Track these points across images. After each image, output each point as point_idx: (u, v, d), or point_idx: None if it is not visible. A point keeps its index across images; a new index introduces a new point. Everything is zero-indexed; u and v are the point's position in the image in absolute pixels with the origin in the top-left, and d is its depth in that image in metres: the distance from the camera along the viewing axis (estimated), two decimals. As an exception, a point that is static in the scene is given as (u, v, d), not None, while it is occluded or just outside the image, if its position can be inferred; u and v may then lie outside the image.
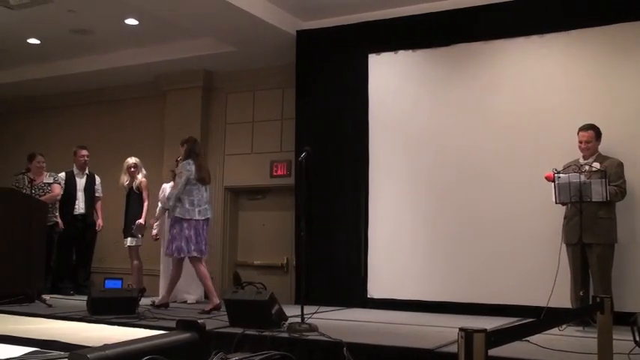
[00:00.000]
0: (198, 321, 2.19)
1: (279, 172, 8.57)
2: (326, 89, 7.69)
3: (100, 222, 8.46)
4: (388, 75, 7.43)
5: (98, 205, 8.55)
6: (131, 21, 8.02)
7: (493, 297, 6.46)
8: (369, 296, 7.15)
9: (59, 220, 8.05)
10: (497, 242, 6.59)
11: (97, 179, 8.58)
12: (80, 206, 8.30)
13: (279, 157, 8.60)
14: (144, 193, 7.62)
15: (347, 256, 7.30)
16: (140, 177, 7.70)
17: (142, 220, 7.36)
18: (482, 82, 6.92)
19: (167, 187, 7.45)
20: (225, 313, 5.19)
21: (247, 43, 8.06)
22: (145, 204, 7.59)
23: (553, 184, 5.59)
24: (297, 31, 7.84)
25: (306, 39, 7.84)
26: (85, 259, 8.48)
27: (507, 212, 6.57)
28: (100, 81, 9.79)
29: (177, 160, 6.90)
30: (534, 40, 6.69)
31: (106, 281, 8.56)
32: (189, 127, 9.14)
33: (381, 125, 7.38)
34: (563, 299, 5.63)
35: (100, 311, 5.61)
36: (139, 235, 7.46)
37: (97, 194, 8.52)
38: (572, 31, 6.51)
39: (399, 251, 7.08)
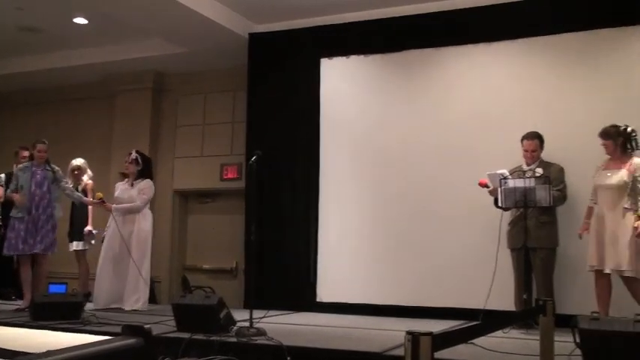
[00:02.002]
0: (145, 326, 2.16)
1: (230, 176, 8.50)
2: (278, 93, 7.66)
3: None
4: (340, 79, 7.47)
5: None
6: (80, 20, 7.88)
7: (440, 300, 6.54)
8: (318, 300, 7.17)
9: (1, 224, 7.81)
10: (442, 245, 6.70)
11: None
12: (21, 208, 8.06)
13: (230, 160, 8.53)
14: (89, 195, 7.40)
15: (297, 260, 7.30)
16: (85, 179, 7.51)
17: (90, 227, 7.31)
18: (432, 87, 7.04)
19: (120, 186, 7.21)
20: (173, 317, 5.13)
21: (198, 45, 7.99)
22: (91, 207, 7.40)
23: (499, 189, 5.72)
24: (249, 34, 7.82)
25: (258, 42, 7.82)
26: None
27: (452, 215, 6.67)
28: (47, 80, 9.57)
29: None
30: (482, 47, 6.84)
31: (50, 286, 8.34)
32: (138, 129, 9.04)
33: (333, 129, 7.42)
34: (504, 302, 5.76)
35: (43, 317, 5.42)
36: (92, 242, 7.35)
37: None
38: (519, 39, 6.68)
39: (348, 255, 7.13)
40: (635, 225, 5.20)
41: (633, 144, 5.47)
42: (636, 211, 5.27)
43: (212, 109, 8.88)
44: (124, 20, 7.51)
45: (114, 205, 6.90)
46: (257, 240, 5.45)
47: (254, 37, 7.84)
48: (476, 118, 6.72)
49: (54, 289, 8.23)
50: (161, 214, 8.94)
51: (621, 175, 5.38)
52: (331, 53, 7.51)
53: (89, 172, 7.62)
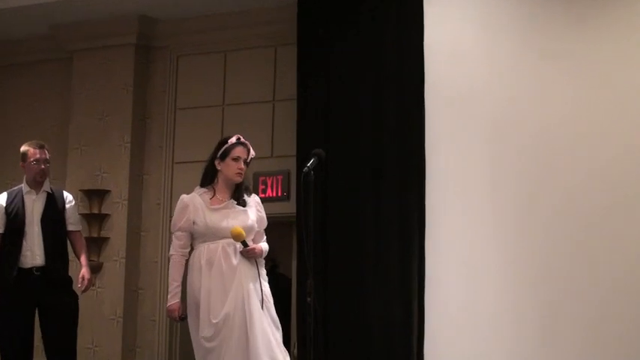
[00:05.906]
0: None
1: (270, 193, 8.53)
2: (350, 49, 7.71)
3: None
4: (458, 25, 7.58)
5: None
6: None
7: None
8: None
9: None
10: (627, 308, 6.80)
11: None
12: None
13: (270, 167, 8.57)
14: None
15: (388, 334, 7.34)
16: None
17: None
18: (625, 35, 7.10)
19: (207, 199, 6.40)
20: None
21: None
22: None
23: None
24: (298, -53, 7.79)
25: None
26: None
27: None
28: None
29: None
30: None
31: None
32: (112, 112, 9.06)
33: (446, 111, 7.50)
34: None
35: None
36: None
37: None
38: None
39: (475, 320, 7.22)
40: None
41: None
42: None
43: (237, 78, 8.90)
44: None
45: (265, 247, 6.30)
46: (318, 302, 5.39)
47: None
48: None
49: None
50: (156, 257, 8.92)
51: None
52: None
53: None
